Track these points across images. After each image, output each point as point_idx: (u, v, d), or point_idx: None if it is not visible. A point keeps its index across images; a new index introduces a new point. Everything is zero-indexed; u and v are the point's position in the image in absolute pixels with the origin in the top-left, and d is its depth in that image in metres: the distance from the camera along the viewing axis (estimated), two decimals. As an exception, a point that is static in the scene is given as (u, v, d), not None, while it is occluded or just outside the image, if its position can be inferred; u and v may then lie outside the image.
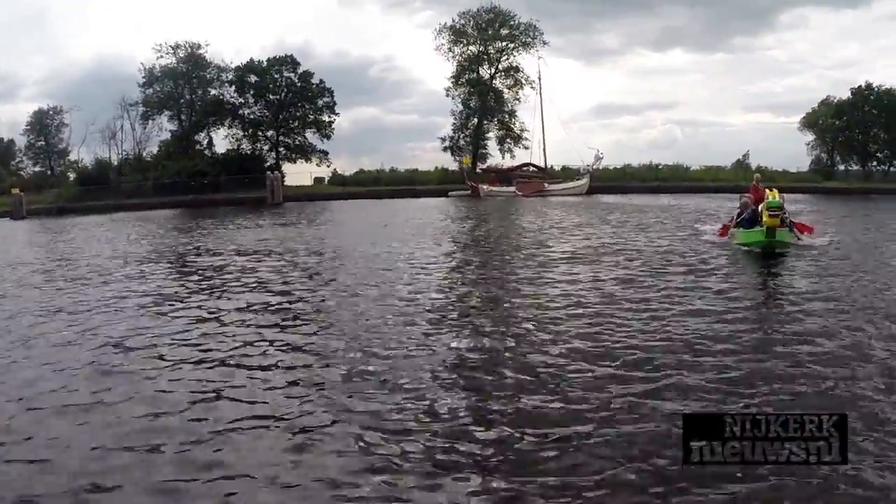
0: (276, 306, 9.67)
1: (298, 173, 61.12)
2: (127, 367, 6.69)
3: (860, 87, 67.87)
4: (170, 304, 10.05)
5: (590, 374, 6.07)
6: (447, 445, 4.64)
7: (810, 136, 72.16)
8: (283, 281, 11.96)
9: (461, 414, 5.27)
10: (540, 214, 29.17)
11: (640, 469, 4.28)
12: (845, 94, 69.16)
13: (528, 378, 6.05)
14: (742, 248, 15.22)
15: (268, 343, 7.51)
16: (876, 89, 67.16)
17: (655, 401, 5.33)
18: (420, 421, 5.05)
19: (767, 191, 14.57)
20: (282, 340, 7.65)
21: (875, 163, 70.57)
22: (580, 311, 8.64)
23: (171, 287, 11.95)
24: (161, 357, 7.03)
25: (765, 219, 13.92)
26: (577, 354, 6.69)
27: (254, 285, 11.63)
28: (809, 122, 71.49)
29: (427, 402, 5.42)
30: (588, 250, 15.34)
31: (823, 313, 8.28)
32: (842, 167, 72.66)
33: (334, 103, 62.90)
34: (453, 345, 7.26)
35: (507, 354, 6.92)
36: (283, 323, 8.66)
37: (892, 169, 70.49)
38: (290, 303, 9.95)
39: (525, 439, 4.77)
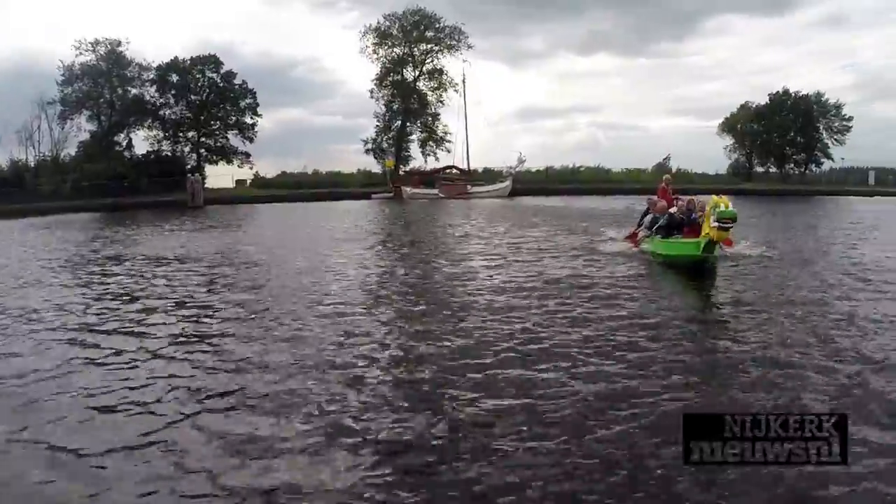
0: (180, 318, 9.12)
1: (220, 176, 60.19)
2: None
3: (778, 92, 71.44)
4: (58, 315, 9.38)
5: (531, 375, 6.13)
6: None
7: (729, 140, 75.85)
8: (191, 291, 11.24)
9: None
10: (462, 217, 29.29)
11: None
12: (764, 100, 72.64)
13: (472, 380, 6.06)
14: (659, 259, 13.69)
15: (165, 359, 7.06)
16: (793, 95, 70.49)
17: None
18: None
19: (716, 197, 11.40)
20: (181, 351, 7.32)
21: (792, 165, 74.14)
22: (507, 317, 8.57)
23: (63, 298, 10.84)
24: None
25: (710, 230, 11.25)
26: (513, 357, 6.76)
27: (159, 295, 10.90)
28: (729, 126, 74.96)
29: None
30: (500, 258, 14.63)
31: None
32: (760, 170, 76.01)
33: (257, 104, 62.18)
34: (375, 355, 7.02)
35: (436, 356, 6.93)
36: (182, 333, 8.27)
37: (808, 172, 74.27)
38: (194, 317, 9.22)
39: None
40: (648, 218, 15.61)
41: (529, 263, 13.63)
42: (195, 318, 9.02)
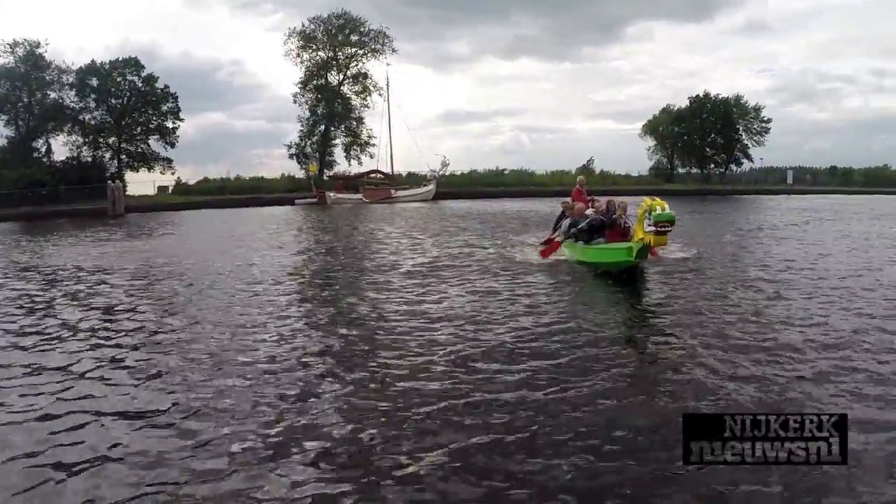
0: (97, 332, 8.61)
1: (141, 182, 58.11)
2: None
3: (698, 95, 74.44)
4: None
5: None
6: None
7: (651, 142, 78.38)
8: (111, 303, 10.70)
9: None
10: (385, 222, 28.95)
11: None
12: (685, 103, 75.58)
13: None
14: (584, 266, 13.05)
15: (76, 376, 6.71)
16: (713, 98, 73.31)
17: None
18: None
19: (649, 199, 10.62)
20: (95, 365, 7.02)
21: (712, 166, 77.21)
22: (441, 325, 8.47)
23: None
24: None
25: (645, 234, 10.53)
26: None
27: (79, 307, 10.37)
28: (651, 128, 77.38)
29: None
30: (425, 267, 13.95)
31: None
32: (682, 170, 78.98)
33: (178, 109, 60.30)
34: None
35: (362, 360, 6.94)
36: (102, 344, 7.93)
37: (728, 172, 77.65)
38: (112, 330, 8.72)
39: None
40: (566, 222, 14.82)
41: (454, 270, 13.22)
42: (113, 332, 8.59)
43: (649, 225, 10.39)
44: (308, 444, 4.81)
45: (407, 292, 10.88)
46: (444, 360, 6.82)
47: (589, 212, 14.30)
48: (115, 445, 4.85)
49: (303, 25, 64.28)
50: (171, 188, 59.86)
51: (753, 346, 7.15)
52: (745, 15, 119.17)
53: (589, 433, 4.87)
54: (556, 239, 15.10)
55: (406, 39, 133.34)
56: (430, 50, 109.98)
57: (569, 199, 16.70)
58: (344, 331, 8.35)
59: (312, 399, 5.78)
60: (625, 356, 7.08)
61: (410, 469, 4.39)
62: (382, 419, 5.28)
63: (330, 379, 6.38)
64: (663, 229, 10.36)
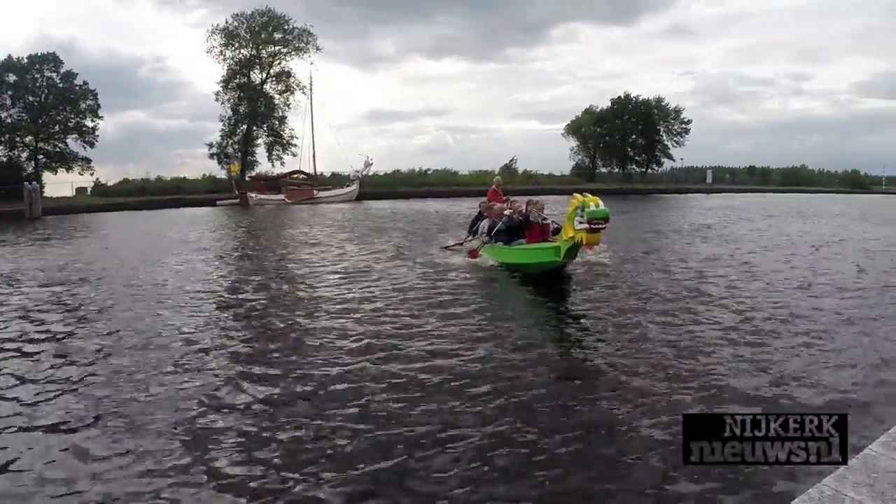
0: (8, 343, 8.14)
1: (60, 183, 56.01)
2: None
3: (620, 97, 76.64)
4: None
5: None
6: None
7: (574, 142, 79.96)
8: (26, 311, 10.15)
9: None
10: (306, 224, 28.46)
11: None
12: (608, 104, 78.15)
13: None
14: (507, 267, 12.64)
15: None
16: (635, 99, 75.42)
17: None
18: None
19: (580, 196, 10.03)
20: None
21: (633, 165, 79.55)
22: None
23: None
24: None
25: (576, 233, 9.95)
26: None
27: None
28: (573, 128, 78.96)
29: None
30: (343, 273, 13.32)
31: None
32: (604, 170, 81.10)
33: (98, 106, 58.28)
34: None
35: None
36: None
37: (649, 171, 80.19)
38: (27, 340, 8.31)
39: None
40: (485, 223, 14.51)
41: (377, 273, 12.91)
42: (28, 342, 8.19)
43: (581, 222, 9.79)
44: (218, 456, 4.79)
45: (327, 301, 10.41)
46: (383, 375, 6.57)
47: (507, 212, 13.96)
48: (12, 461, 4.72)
49: (226, 22, 63.19)
50: (90, 189, 58.00)
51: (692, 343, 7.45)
52: (669, 19, 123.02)
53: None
54: (472, 244, 14.71)
55: (332, 38, 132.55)
56: (356, 49, 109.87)
57: (487, 200, 16.52)
58: (264, 338, 8.23)
59: (225, 409, 5.71)
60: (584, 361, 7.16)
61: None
62: (297, 430, 5.25)
63: (246, 385, 6.33)
64: (597, 227, 9.68)
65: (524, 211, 13.50)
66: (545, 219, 13.06)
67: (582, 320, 8.98)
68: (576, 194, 10.25)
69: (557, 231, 12.47)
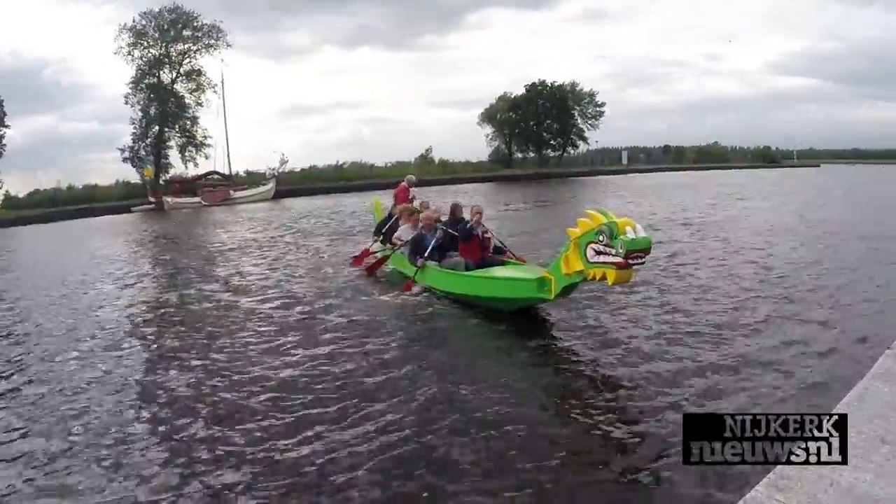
0: None
1: (-33, 197, 53.00)
2: None
3: (534, 83, 77.05)
4: None
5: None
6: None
7: (490, 129, 79.60)
8: None
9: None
10: (221, 227, 27.59)
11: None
12: (522, 90, 77.60)
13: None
14: (452, 297, 9.96)
15: None
16: (549, 85, 76.16)
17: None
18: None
19: (598, 215, 6.92)
20: None
21: (549, 150, 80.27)
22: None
23: None
24: None
25: (594, 267, 6.97)
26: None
27: None
28: (488, 116, 79.02)
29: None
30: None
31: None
32: (519, 155, 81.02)
33: (4, 113, 55.00)
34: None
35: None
36: None
37: (564, 154, 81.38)
38: None
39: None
40: (406, 234, 11.78)
41: (302, 288, 11.78)
42: None
43: (607, 253, 6.78)
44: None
45: (247, 329, 9.16)
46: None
47: (424, 216, 11.53)
48: None
49: (134, 21, 60.37)
50: (-1, 203, 55.05)
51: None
52: (584, 3, 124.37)
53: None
54: (383, 252, 12.60)
55: (244, 30, 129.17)
56: (269, 41, 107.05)
57: (405, 202, 13.84)
58: (179, 360, 7.84)
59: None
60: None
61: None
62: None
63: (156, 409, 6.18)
64: (636, 262, 6.71)
65: (453, 218, 11.11)
66: (487, 230, 10.64)
67: (572, 322, 8.73)
68: (591, 211, 7.16)
69: (500, 251, 10.92)
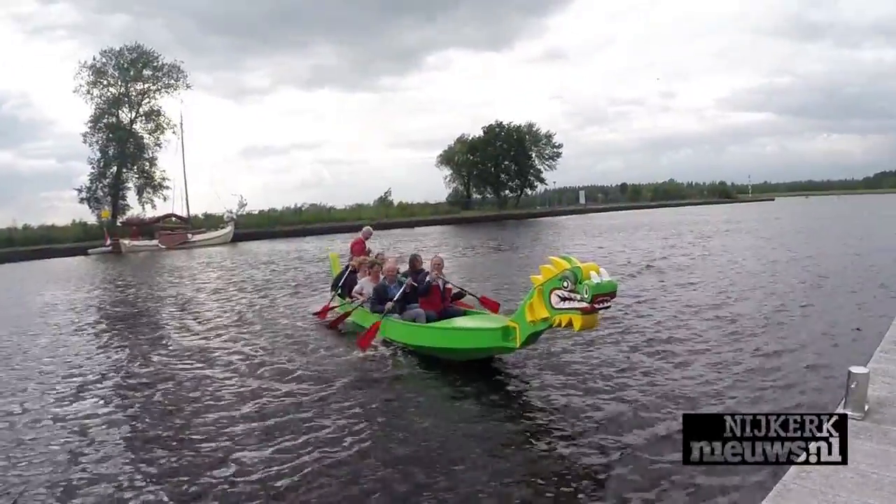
0: None
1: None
2: None
3: (491, 124, 78.49)
4: None
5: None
6: None
7: (448, 171, 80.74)
8: None
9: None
10: (176, 274, 26.42)
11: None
12: (479, 132, 79.12)
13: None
14: (414, 349, 9.52)
15: None
16: (506, 126, 77.41)
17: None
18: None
19: (561, 261, 6.77)
20: None
21: (507, 191, 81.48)
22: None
23: None
24: None
25: (560, 313, 6.70)
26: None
27: None
28: (446, 157, 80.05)
29: None
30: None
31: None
32: (478, 196, 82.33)
33: (-36, 150, 54.19)
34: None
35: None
36: None
37: (523, 195, 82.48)
38: None
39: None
40: (366, 287, 11.52)
41: (257, 340, 11.24)
42: None
43: (572, 299, 6.60)
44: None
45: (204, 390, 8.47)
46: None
47: (380, 266, 11.55)
48: None
49: (94, 59, 60.28)
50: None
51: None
52: (543, 44, 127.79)
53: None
54: (342, 307, 12.19)
55: (205, 70, 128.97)
56: (229, 81, 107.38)
57: (364, 255, 13.46)
58: (121, 414, 7.61)
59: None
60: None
61: None
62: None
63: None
64: (602, 305, 6.52)
65: (413, 269, 10.96)
66: (447, 282, 10.62)
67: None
68: (554, 258, 6.98)
69: (459, 297, 11.02)
